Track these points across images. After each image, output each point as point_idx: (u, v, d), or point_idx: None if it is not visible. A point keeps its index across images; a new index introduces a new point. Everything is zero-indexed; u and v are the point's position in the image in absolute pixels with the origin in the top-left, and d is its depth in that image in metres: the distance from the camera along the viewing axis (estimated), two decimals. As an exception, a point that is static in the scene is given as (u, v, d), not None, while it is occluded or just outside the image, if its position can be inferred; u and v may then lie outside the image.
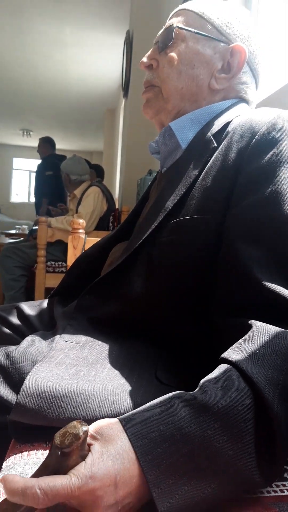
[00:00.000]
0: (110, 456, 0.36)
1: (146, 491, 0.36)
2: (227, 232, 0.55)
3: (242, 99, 0.73)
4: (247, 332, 0.45)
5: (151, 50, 0.74)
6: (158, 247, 0.61)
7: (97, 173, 3.53)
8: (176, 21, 0.72)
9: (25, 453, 0.51)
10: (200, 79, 0.70)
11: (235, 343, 0.45)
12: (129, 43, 3.22)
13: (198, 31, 0.69)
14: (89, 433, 0.39)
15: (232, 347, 0.45)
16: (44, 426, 0.50)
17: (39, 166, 4.29)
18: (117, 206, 3.30)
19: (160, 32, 0.74)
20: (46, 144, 4.26)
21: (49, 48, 4.58)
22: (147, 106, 0.75)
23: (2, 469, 0.49)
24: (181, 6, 0.74)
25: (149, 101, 0.74)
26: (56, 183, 4.04)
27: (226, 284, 0.53)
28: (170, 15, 0.75)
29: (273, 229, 0.51)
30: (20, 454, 0.51)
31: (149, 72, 0.74)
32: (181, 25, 0.70)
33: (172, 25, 0.71)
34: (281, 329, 0.44)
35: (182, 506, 0.35)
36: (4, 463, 0.50)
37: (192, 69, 0.69)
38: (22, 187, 10.20)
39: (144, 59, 0.74)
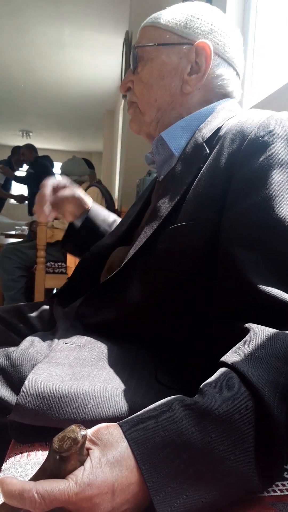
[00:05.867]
0: (108, 463, 0.36)
1: (144, 497, 0.36)
2: (222, 237, 0.55)
3: (226, 95, 0.73)
4: (245, 336, 0.45)
5: (126, 74, 0.77)
6: (155, 255, 0.61)
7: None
8: (138, 41, 0.73)
9: (25, 454, 0.51)
10: (172, 87, 0.71)
11: (234, 347, 0.45)
12: (128, 43, 3.23)
13: (159, 43, 0.70)
14: (88, 437, 0.38)
15: (231, 350, 0.45)
16: (44, 427, 0.50)
17: (28, 169, 4.47)
18: (116, 207, 3.30)
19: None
20: (31, 151, 4.43)
21: (48, 48, 4.58)
22: (131, 121, 0.79)
23: (2, 469, 0.49)
24: (141, 26, 0.75)
25: (132, 117, 0.78)
26: (40, 181, 4.17)
27: (223, 289, 0.54)
28: (137, 36, 0.76)
29: (267, 232, 0.51)
30: (20, 455, 0.51)
31: (129, 93, 0.77)
32: (141, 43, 0.72)
33: (134, 45, 0.73)
34: (279, 331, 0.44)
35: None
36: (4, 463, 0.50)
37: (162, 80, 0.71)
38: (22, 188, 10.17)
39: (121, 85, 0.77)
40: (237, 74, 0.74)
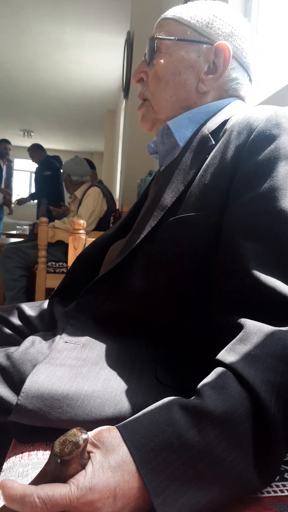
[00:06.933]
0: (110, 467, 0.36)
1: (145, 501, 0.36)
2: (225, 228, 0.55)
3: (237, 97, 0.73)
4: (241, 331, 0.45)
5: (140, 63, 0.76)
6: (157, 245, 0.61)
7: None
8: (158, 32, 0.72)
9: (26, 454, 0.51)
10: (188, 84, 0.70)
11: (229, 344, 0.45)
12: (129, 43, 3.23)
13: (179, 38, 0.70)
14: (89, 440, 0.38)
15: (226, 347, 0.45)
16: (45, 427, 0.50)
17: (38, 169, 4.50)
18: (117, 207, 3.31)
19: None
20: (39, 151, 4.49)
21: (49, 48, 4.58)
22: (143, 121, 0.77)
23: (2, 469, 0.49)
24: (161, 16, 0.74)
25: (144, 116, 0.77)
26: (55, 182, 4.23)
27: (221, 280, 0.53)
28: (155, 26, 0.75)
29: (271, 224, 0.51)
30: (20, 455, 0.51)
31: (141, 85, 0.76)
32: (161, 36, 0.71)
33: (154, 36, 0.72)
34: (275, 328, 0.44)
35: None
36: (5, 463, 0.51)
37: (178, 76, 0.70)
38: (23, 187, 10.20)
39: (134, 75, 0.76)
40: (250, 80, 0.75)
